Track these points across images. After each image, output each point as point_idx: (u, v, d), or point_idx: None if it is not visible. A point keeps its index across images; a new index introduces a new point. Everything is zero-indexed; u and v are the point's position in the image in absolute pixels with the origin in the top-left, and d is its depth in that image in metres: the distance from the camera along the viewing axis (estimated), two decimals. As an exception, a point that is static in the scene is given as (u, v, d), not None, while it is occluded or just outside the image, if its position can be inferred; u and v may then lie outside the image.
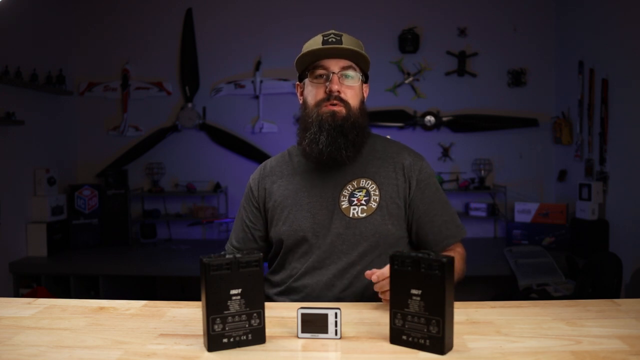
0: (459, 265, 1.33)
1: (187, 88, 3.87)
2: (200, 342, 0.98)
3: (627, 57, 2.76)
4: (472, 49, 3.78)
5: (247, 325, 0.96)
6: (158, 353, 0.95)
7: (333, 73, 1.37)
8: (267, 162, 1.55)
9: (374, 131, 1.52)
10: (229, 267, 0.95)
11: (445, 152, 3.83)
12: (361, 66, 1.42)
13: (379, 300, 1.18)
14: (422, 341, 0.93)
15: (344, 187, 1.40)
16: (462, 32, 3.79)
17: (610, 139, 2.93)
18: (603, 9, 3.05)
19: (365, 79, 1.46)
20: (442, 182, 3.77)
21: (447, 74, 3.80)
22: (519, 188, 3.76)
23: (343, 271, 1.36)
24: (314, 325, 1.00)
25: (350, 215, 1.37)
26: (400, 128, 3.80)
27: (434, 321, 0.92)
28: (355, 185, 1.40)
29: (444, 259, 0.91)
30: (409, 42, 3.78)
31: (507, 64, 3.77)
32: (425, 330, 0.93)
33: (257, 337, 0.98)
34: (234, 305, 0.95)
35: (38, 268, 3.29)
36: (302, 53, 1.39)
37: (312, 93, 1.41)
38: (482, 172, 3.75)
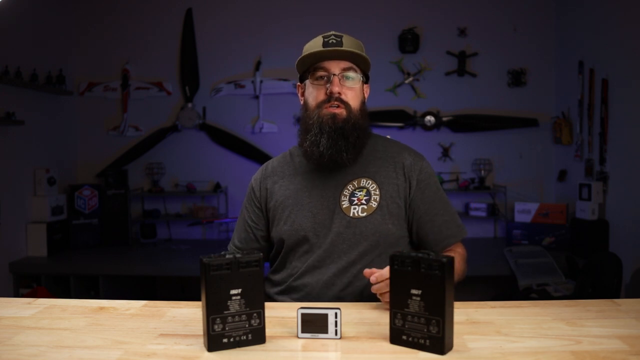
0: (459, 266, 1.33)
1: (187, 88, 3.87)
2: (200, 342, 0.98)
3: (627, 57, 2.76)
4: (472, 49, 3.78)
5: (247, 325, 0.96)
6: (158, 353, 0.95)
7: (334, 75, 1.37)
8: (269, 162, 1.56)
9: (374, 131, 1.52)
10: (229, 267, 0.95)
11: (445, 152, 3.83)
12: (362, 67, 1.42)
13: (379, 299, 1.18)
14: (422, 341, 0.93)
15: (344, 186, 1.41)
16: (462, 32, 3.79)
17: (610, 139, 2.93)
18: (603, 9, 3.05)
19: (366, 80, 1.47)
20: (442, 182, 3.77)
21: (447, 74, 3.81)
22: (519, 188, 3.76)
23: (343, 270, 1.36)
24: (314, 325, 1.00)
25: (351, 215, 1.38)
26: (400, 128, 3.80)
27: (434, 321, 0.92)
28: (356, 185, 1.41)
29: (444, 259, 0.91)
30: (409, 42, 3.78)
31: (507, 64, 3.77)
32: (425, 330, 0.93)
33: (257, 337, 0.98)
34: (234, 305, 0.95)
35: (38, 268, 3.29)
36: (302, 55, 1.40)
37: (313, 95, 1.41)
38: (482, 172, 3.75)
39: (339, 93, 1.37)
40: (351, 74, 1.39)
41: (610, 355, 0.90)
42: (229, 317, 0.95)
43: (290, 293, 1.41)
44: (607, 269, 2.57)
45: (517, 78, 3.75)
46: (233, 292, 0.95)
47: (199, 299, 1.01)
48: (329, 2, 3.83)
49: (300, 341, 0.99)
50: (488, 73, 3.78)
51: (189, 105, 3.87)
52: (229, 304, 0.95)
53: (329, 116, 1.37)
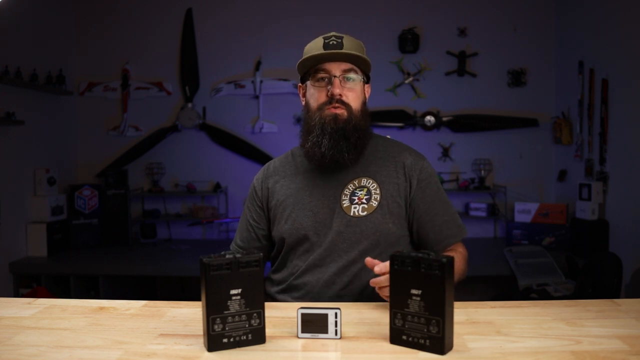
0: (459, 265, 1.33)
1: (187, 88, 3.87)
2: (200, 342, 0.98)
3: (627, 57, 2.76)
4: (472, 49, 3.78)
5: (247, 325, 0.97)
6: (158, 353, 0.95)
7: (334, 77, 1.38)
8: (271, 162, 1.57)
9: (374, 131, 1.52)
10: (229, 267, 0.95)
11: (445, 152, 3.83)
12: (362, 68, 1.43)
13: (379, 298, 1.18)
14: (422, 341, 0.93)
15: (345, 186, 1.41)
16: (462, 32, 3.79)
17: (610, 139, 2.93)
18: (603, 9, 3.05)
19: (367, 80, 1.47)
20: (442, 182, 3.76)
21: (447, 74, 3.80)
22: (519, 188, 3.76)
23: (343, 269, 1.37)
24: (314, 325, 1.00)
25: (351, 214, 1.38)
26: (400, 128, 3.80)
27: (434, 321, 0.92)
28: (357, 184, 1.41)
29: (444, 259, 0.91)
30: (409, 42, 3.78)
31: (507, 64, 3.77)
32: (425, 330, 0.93)
33: (257, 337, 0.98)
34: (234, 305, 0.95)
35: (38, 268, 3.29)
36: (303, 57, 1.40)
37: (314, 96, 1.42)
38: (482, 172, 3.75)
39: (340, 95, 1.38)
40: (352, 75, 1.40)
41: (610, 355, 0.90)
42: (229, 317, 0.95)
43: (290, 292, 1.41)
44: (607, 269, 2.57)
45: (517, 78, 3.75)
46: (233, 292, 0.95)
47: (199, 299, 1.01)
48: (329, 2, 3.83)
49: (300, 341, 0.99)
50: (488, 73, 3.78)
51: (189, 105, 3.87)
52: (229, 304, 0.95)
53: (330, 117, 1.38)
